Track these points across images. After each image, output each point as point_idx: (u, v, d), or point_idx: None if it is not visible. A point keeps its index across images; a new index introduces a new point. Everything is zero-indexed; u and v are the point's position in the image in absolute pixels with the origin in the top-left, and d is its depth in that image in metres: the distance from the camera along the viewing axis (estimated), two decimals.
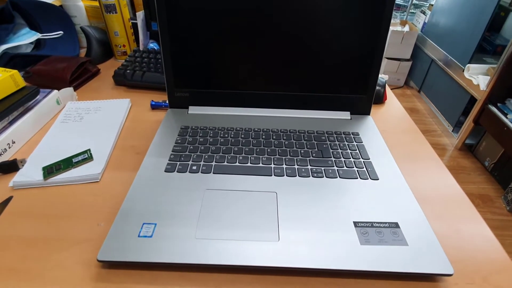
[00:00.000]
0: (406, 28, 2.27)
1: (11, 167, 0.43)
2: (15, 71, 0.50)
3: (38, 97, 0.53)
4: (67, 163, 0.44)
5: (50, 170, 0.42)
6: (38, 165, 0.43)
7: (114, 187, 0.42)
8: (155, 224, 0.34)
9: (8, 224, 0.36)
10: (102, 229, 0.36)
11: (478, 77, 1.63)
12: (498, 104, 1.51)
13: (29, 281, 0.31)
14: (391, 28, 2.24)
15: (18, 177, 0.42)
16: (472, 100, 1.68)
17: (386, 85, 0.66)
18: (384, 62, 2.30)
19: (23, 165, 0.44)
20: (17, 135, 0.48)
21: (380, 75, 0.64)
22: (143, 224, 0.34)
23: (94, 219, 0.37)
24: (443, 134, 1.91)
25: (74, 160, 0.44)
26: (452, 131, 1.87)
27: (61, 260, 0.33)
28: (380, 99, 0.63)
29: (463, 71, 1.73)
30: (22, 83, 0.51)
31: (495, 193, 1.49)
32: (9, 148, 0.46)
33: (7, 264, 0.32)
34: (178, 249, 0.32)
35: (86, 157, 0.45)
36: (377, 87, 0.63)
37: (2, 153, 0.45)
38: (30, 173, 0.42)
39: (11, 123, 0.48)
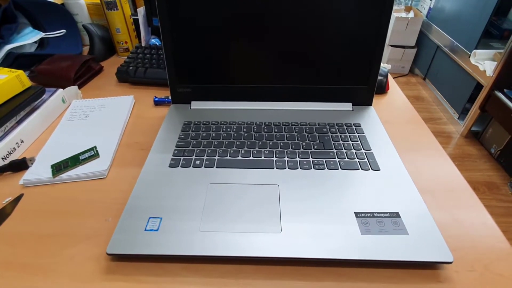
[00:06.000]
0: (411, 14, 2.23)
1: (21, 165, 0.44)
2: (20, 72, 0.51)
3: (44, 96, 0.54)
4: (74, 161, 0.45)
5: (58, 168, 0.44)
6: (46, 163, 0.45)
7: (120, 183, 0.43)
8: (161, 218, 0.35)
9: (19, 221, 0.38)
10: (110, 224, 0.37)
11: (484, 63, 1.60)
12: (505, 90, 1.49)
13: (43, 275, 0.32)
14: (395, 14, 2.20)
15: (28, 175, 0.43)
16: (479, 87, 1.65)
17: (389, 74, 0.65)
18: (388, 49, 2.27)
19: (32, 163, 0.45)
20: (25, 134, 0.49)
21: (382, 65, 0.64)
22: (149, 218, 0.35)
23: (102, 214, 0.39)
24: (449, 122, 1.89)
25: (81, 157, 0.45)
26: (458, 118, 1.84)
27: (72, 255, 0.34)
28: (382, 89, 0.63)
29: (469, 57, 1.70)
30: (28, 83, 0.52)
31: (501, 180, 1.48)
32: (18, 147, 0.47)
33: (21, 259, 0.34)
34: (183, 242, 0.33)
35: (92, 154, 0.46)
36: (379, 77, 0.62)
37: (12, 152, 0.46)
38: (39, 171, 0.44)
39: (19, 122, 0.49)
